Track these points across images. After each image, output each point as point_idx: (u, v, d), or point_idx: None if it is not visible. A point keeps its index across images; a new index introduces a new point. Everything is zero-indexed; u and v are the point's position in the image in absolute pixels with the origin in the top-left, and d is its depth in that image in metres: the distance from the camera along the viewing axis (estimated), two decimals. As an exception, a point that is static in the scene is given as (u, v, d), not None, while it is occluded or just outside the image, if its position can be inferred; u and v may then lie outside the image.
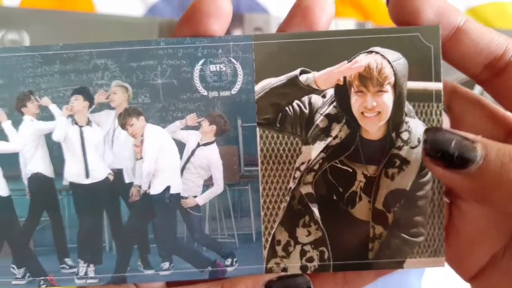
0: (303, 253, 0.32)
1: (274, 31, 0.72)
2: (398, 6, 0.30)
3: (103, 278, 0.32)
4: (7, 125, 0.31)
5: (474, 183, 0.27)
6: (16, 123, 0.32)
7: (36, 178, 0.32)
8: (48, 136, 0.32)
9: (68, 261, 0.32)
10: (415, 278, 0.67)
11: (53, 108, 0.31)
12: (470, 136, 0.27)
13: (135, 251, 0.32)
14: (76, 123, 0.32)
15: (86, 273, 0.32)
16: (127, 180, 0.32)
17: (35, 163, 0.32)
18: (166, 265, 0.32)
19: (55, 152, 0.32)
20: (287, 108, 0.31)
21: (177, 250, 0.32)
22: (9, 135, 0.31)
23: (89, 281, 0.32)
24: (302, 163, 0.32)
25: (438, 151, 0.27)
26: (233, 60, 0.31)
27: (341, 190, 0.32)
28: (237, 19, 0.72)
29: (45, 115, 0.31)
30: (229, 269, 0.32)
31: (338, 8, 0.77)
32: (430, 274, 0.69)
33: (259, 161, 0.31)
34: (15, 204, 0.32)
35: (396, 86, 0.31)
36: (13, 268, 0.32)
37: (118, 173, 0.32)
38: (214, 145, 0.32)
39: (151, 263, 0.32)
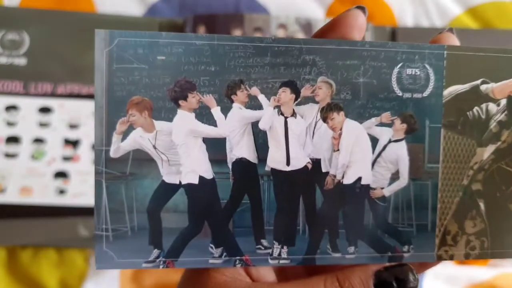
0: (467, 242, 0.36)
1: (274, 31, 0.74)
2: None
3: (295, 259, 0.34)
4: (216, 111, 0.33)
5: None
6: (225, 110, 0.33)
7: (241, 163, 0.33)
8: (254, 124, 0.33)
9: (264, 242, 0.34)
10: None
11: (262, 98, 0.33)
12: None
13: (325, 235, 0.34)
14: (282, 114, 0.34)
15: (279, 254, 0.34)
16: (323, 170, 0.34)
17: (240, 148, 0.33)
18: (351, 249, 0.35)
19: (260, 139, 0.34)
20: (468, 113, 0.35)
21: (363, 236, 0.35)
22: (218, 120, 0.33)
23: (282, 261, 0.34)
24: (475, 163, 0.36)
25: None
26: (427, 66, 0.34)
27: (503, 188, 0.36)
28: (237, 19, 0.73)
29: (253, 104, 0.33)
30: (405, 255, 0.35)
31: (338, 8, 0.80)
32: (430, 276, 0.75)
33: (441, 159, 0.35)
34: (218, 187, 0.33)
35: (558, 101, 0.36)
36: (211, 247, 0.33)
37: (316, 162, 0.34)
38: (403, 142, 0.35)
39: (338, 247, 0.35)
